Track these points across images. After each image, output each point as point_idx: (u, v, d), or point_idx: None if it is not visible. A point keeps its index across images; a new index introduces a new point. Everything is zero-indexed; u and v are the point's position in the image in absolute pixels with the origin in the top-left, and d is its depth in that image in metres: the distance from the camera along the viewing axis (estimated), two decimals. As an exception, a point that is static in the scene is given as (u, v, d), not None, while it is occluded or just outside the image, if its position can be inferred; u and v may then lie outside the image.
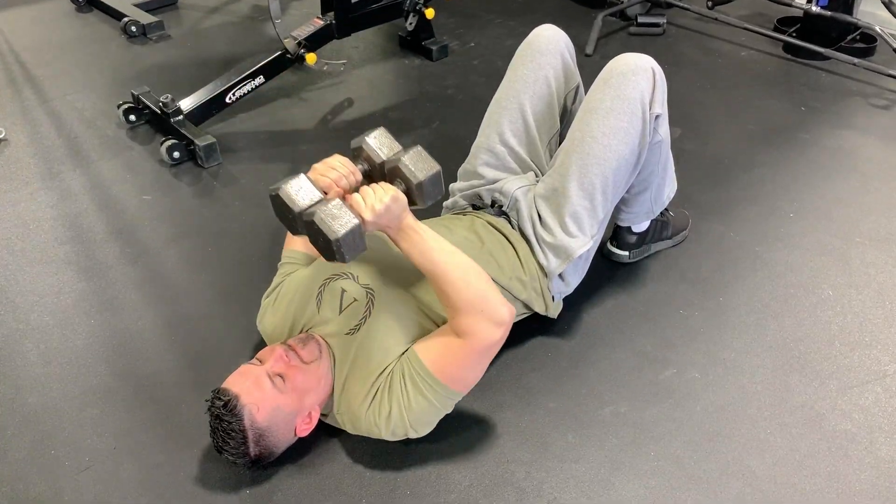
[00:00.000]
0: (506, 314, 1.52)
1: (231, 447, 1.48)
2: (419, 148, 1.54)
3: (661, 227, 2.11)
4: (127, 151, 2.63)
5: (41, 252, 2.19)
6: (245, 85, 2.71)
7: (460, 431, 1.65)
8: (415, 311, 1.62)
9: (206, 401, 1.51)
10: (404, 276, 1.66)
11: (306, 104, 2.89)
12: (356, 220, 1.42)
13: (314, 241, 1.45)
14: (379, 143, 1.57)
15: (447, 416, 1.60)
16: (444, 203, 2.00)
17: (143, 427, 1.69)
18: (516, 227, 1.83)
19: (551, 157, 1.95)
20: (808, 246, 2.13)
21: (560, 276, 1.82)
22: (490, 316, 1.50)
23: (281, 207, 1.47)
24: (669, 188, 2.00)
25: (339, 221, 1.40)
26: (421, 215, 1.92)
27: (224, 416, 1.47)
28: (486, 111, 1.94)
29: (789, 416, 1.67)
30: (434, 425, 1.59)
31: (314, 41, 2.81)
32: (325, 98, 2.93)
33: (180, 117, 2.60)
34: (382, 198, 1.46)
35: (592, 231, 1.81)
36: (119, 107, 2.73)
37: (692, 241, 2.17)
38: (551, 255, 1.79)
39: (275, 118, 2.81)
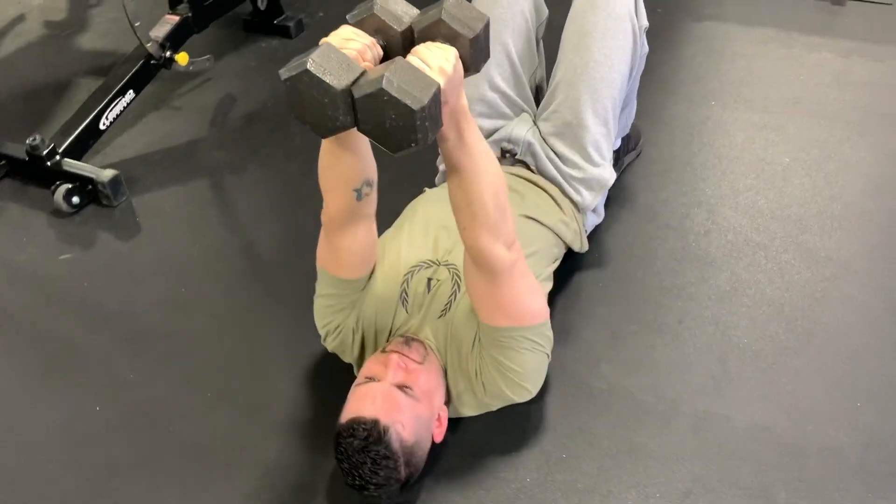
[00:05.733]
0: (514, 233, 1.33)
1: (381, 478, 1.33)
2: None
3: (627, 139, 2.17)
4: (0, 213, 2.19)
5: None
6: (116, 105, 2.34)
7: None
8: None
9: (340, 439, 1.32)
10: None
11: (185, 112, 2.57)
12: (437, 81, 1.07)
13: (375, 124, 1.07)
14: (393, 5, 1.17)
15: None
16: (441, 166, 1.90)
17: None
18: (536, 172, 1.79)
19: (535, 93, 1.93)
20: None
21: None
22: (506, 237, 1.30)
23: (305, 92, 1.06)
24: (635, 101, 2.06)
25: (414, 85, 1.03)
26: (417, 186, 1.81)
27: (371, 447, 1.30)
28: None
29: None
30: (544, 374, 1.50)
31: (176, 40, 2.48)
32: (200, 101, 2.62)
33: (57, 158, 2.19)
34: (448, 58, 1.12)
35: (609, 156, 1.82)
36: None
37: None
38: (584, 190, 1.78)
39: (158, 135, 2.47)
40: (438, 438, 1.45)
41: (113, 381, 1.71)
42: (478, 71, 1.22)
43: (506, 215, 1.29)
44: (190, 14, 2.51)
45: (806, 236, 1.93)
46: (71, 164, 2.20)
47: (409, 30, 1.18)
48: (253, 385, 1.67)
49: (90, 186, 2.16)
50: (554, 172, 1.77)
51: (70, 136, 2.24)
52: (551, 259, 1.70)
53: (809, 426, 1.51)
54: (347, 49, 1.13)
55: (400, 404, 1.35)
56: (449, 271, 1.51)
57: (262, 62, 2.81)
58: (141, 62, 2.40)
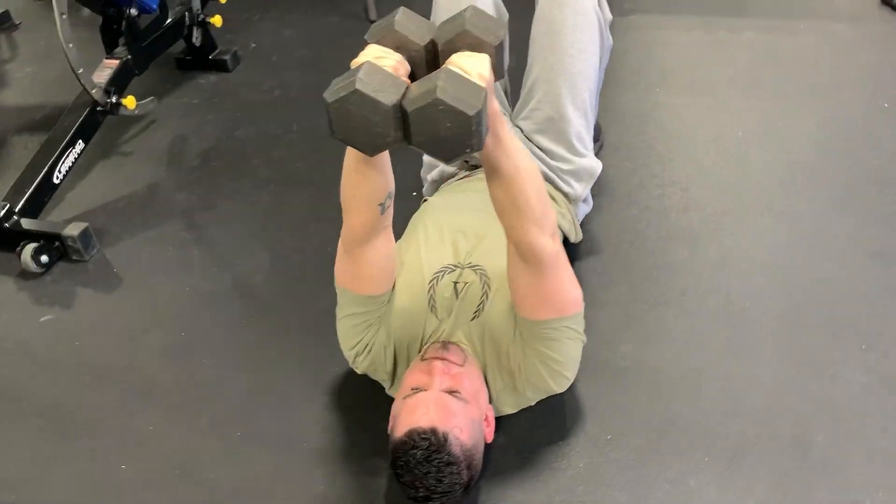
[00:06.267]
0: (556, 223, 1.40)
1: (445, 485, 1.32)
2: (473, 6, 1.20)
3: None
4: (-41, 284, 2.05)
5: None
6: (67, 157, 2.24)
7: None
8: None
9: (400, 453, 1.31)
10: (493, 237, 1.58)
11: (136, 157, 2.48)
12: (483, 85, 1.09)
13: (430, 135, 1.08)
14: (414, 23, 1.20)
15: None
16: (428, 176, 1.91)
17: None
18: (525, 170, 1.83)
19: (504, 94, 1.98)
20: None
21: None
22: (550, 228, 1.33)
23: (355, 112, 1.06)
24: (598, 91, 2.13)
25: (465, 92, 1.05)
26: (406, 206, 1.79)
27: (434, 456, 1.29)
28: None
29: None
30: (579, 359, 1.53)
31: (119, 84, 2.41)
32: (150, 144, 2.54)
33: (15, 218, 2.08)
34: (484, 64, 1.15)
35: (591, 146, 1.88)
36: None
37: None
38: (573, 181, 1.83)
39: (113, 183, 2.37)
40: (489, 438, 1.45)
41: (131, 436, 1.63)
42: (503, 76, 1.25)
43: (547, 206, 1.33)
44: (129, 56, 2.44)
45: (777, 201, 2.05)
46: (32, 223, 2.09)
47: (431, 43, 1.20)
48: (281, 419, 1.63)
49: (57, 243, 2.06)
50: (543, 168, 1.81)
51: (24, 194, 2.12)
52: (559, 251, 1.74)
53: (828, 372, 1.61)
54: (383, 67, 1.13)
55: (453, 409, 1.35)
56: (475, 272, 1.52)
57: (206, 98, 2.75)
58: (87, 111, 2.31)
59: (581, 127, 1.82)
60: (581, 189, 1.83)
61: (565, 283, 1.40)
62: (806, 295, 1.78)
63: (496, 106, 1.21)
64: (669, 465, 1.47)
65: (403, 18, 1.19)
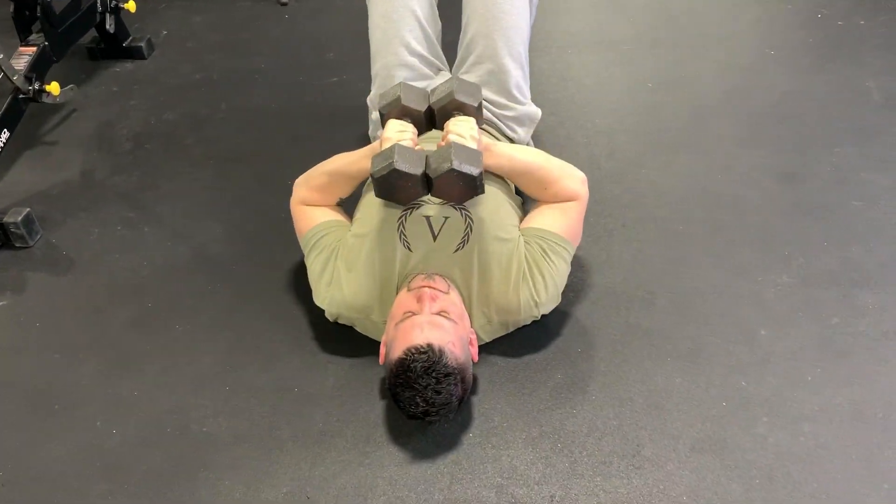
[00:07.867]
0: (580, 172, 1.73)
1: (443, 397, 1.45)
2: (453, 77, 1.64)
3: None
4: None
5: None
6: (-7, 146, 2.18)
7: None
8: (501, 197, 1.67)
9: (400, 370, 1.41)
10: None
11: (63, 146, 2.42)
12: (479, 150, 1.52)
13: (447, 190, 1.49)
14: (413, 94, 1.59)
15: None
16: (377, 134, 1.99)
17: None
18: (470, 120, 1.96)
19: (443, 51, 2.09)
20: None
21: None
22: (578, 176, 1.72)
23: (394, 182, 1.47)
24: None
25: (469, 159, 1.46)
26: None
27: (432, 368, 1.42)
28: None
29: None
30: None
31: (39, 71, 2.35)
32: (75, 132, 2.48)
33: (-52, 210, 2.01)
34: (472, 126, 1.56)
35: (529, 94, 2.02)
36: None
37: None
38: (517, 127, 1.96)
39: (43, 172, 2.31)
40: (475, 358, 1.57)
41: (117, 403, 1.64)
42: (482, 125, 1.67)
43: (563, 164, 1.71)
44: (46, 43, 2.38)
45: (690, 139, 2.27)
46: (-34, 214, 2.03)
47: (428, 108, 1.60)
48: (268, 370, 1.69)
49: (-3, 231, 2.02)
50: (489, 115, 1.93)
51: (-46, 186, 2.06)
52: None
53: (759, 277, 1.82)
54: (406, 141, 1.53)
55: (445, 327, 1.48)
56: (454, 209, 1.61)
57: (125, 85, 2.70)
58: (9, 98, 2.24)
59: (519, 77, 1.95)
60: (524, 133, 1.97)
61: (580, 220, 1.71)
62: (728, 215, 1.99)
63: (485, 140, 1.63)
64: (636, 368, 1.63)
65: (406, 93, 1.58)
